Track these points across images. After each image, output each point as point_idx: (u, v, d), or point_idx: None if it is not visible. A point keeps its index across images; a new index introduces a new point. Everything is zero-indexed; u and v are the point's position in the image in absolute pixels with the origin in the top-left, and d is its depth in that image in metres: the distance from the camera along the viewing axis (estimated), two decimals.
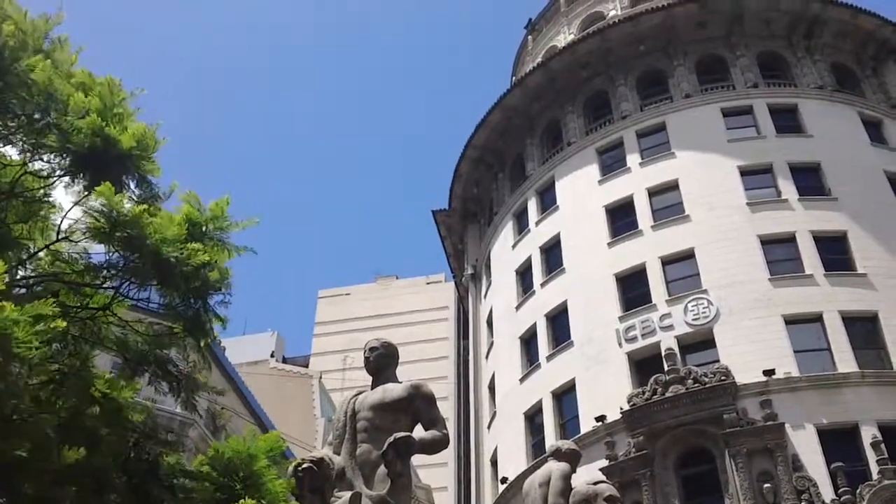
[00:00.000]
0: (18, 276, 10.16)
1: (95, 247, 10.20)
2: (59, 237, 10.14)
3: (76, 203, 9.93)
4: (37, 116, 9.78)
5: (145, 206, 9.75)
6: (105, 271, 10.10)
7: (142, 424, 10.23)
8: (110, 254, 9.92)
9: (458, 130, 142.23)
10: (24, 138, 9.85)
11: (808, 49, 38.26)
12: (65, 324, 8.44)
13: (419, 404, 7.30)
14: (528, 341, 34.52)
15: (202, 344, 10.69)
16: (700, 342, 29.25)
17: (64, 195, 10.10)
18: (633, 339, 30.18)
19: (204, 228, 10.11)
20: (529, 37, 50.07)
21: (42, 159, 9.93)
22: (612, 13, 44.40)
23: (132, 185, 10.11)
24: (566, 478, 10.04)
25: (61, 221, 10.14)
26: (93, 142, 9.48)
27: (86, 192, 9.84)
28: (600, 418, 28.68)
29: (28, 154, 9.93)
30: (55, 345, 9.66)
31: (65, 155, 9.73)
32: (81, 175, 9.85)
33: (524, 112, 41.15)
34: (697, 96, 36.76)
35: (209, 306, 10.30)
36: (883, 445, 24.84)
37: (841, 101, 36.48)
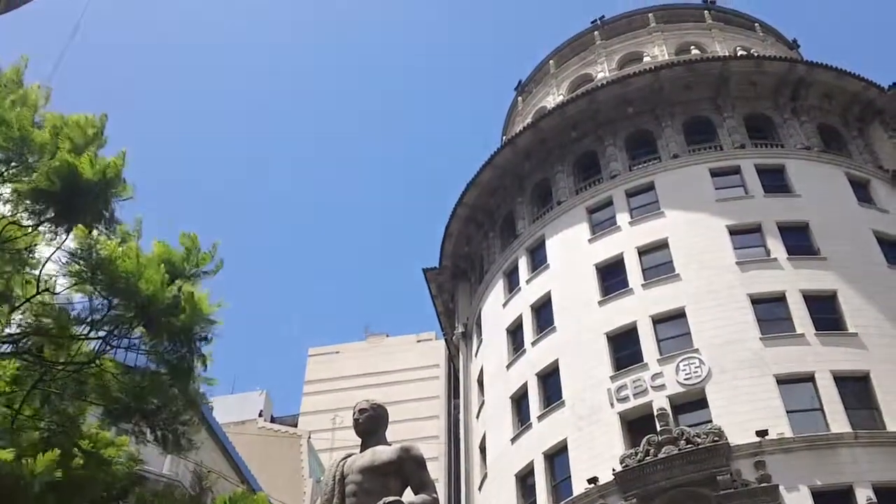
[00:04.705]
0: (4, 333, 10.08)
1: (78, 297, 10.15)
2: (41, 289, 10.08)
3: (57, 249, 9.92)
4: (13, 163, 9.83)
5: (118, 242, 9.77)
6: (90, 321, 10.04)
7: (126, 474, 10.15)
8: (93, 299, 9.87)
9: (449, 189, 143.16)
10: (3, 185, 9.88)
11: (794, 110, 38.86)
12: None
13: (409, 467, 7.25)
14: (520, 401, 34.23)
15: (186, 388, 10.59)
16: (692, 402, 29.04)
17: (44, 244, 10.09)
18: (625, 398, 29.97)
19: (183, 267, 10.11)
20: (520, 98, 50.85)
21: (28, 210, 9.93)
22: (600, 75, 45.16)
23: (103, 225, 10.11)
24: None
25: (41, 270, 10.09)
26: (64, 180, 9.51)
27: (64, 237, 9.86)
28: (593, 480, 28.32)
29: (11, 204, 9.94)
30: (37, 404, 9.59)
31: (41, 200, 9.74)
32: (60, 220, 9.86)
33: (514, 171, 41.52)
34: (685, 156, 37.18)
35: (195, 345, 10.24)
36: None
37: (828, 162, 36.91)
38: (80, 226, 9.50)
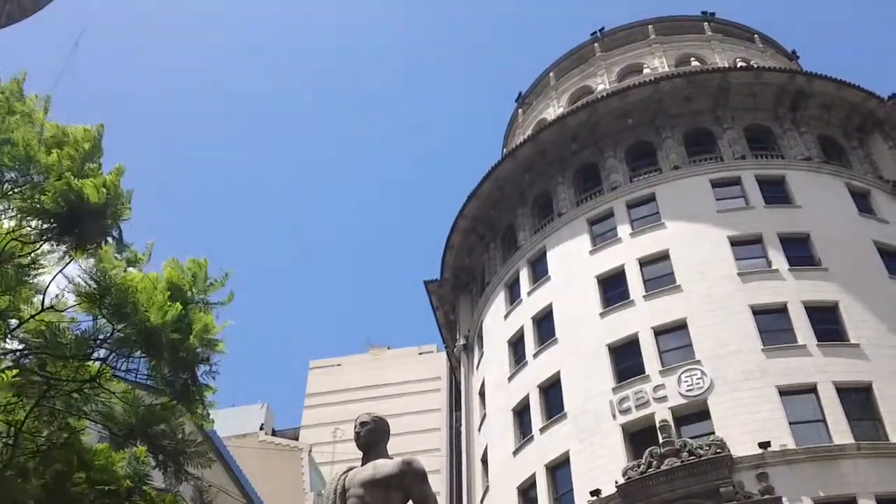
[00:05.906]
0: (7, 350, 10.07)
1: (82, 315, 10.12)
2: (45, 307, 10.06)
3: (61, 270, 9.90)
4: (21, 181, 9.83)
5: (134, 274, 9.74)
6: (93, 341, 10.02)
7: (127, 487, 10.14)
8: (98, 320, 9.85)
9: (450, 201, 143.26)
10: (9, 203, 9.87)
11: (794, 121, 38.93)
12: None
13: (410, 481, 7.24)
14: (521, 413, 34.16)
15: (192, 414, 10.57)
16: (695, 413, 28.98)
17: (50, 266, 10.06)
18: (627, 410, 29.90)
19: (189, 293, 10.08)
20: (520, 110, 50.95)
21: (31, 226, 9.92)
22: (600, 87, 45.25)
23: (111, 242, 10.08)
24: None
25: (47, 288, 10.08)
26: (68, 201, 9.50)
27: (69, 257, 9.82)
28: (595, 492, 28.21)
29: (16, 221, 9.93)
30: (42, 418, 9.59)
31: (46, 219, 9.73)
32: (65, 238, 9.84)
33: (515, 183, 41.56)
34: (686, 168, 37.22)
35: (197, 376, 10.22)
36: None
37: (828, 173, 36.95)
38: (103, 247, 9.49)
